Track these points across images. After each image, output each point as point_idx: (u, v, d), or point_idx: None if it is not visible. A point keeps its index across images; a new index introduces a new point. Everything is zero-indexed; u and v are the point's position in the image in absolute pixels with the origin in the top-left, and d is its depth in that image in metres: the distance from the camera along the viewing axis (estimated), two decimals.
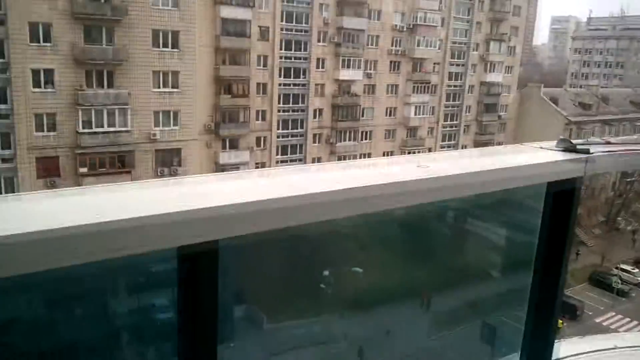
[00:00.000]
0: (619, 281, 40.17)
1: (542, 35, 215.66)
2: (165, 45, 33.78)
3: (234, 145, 39.42)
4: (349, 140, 44.81)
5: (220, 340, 1.33)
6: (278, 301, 1.82)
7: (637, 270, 44.36)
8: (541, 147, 1.99)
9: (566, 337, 2.38)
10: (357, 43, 43.52)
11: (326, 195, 1.29)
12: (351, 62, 43.44)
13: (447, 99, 52.01)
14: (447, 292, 2.15)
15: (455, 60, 51.58)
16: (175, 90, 34.62)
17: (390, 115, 47.67)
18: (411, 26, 46.29)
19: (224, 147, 38.91)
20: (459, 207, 2.03)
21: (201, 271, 1.20)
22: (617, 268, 43.51)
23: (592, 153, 1.89)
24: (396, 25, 45.69)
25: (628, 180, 54.61)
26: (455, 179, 1.51)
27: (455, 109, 52.89)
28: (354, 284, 1.89)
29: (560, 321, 34.72)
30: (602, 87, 68.90)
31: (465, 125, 53.69)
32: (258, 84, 39.82)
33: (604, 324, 36.45)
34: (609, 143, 2.11)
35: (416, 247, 2.04)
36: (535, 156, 1.85)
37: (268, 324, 1.79)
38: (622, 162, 2.00)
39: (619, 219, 54.25)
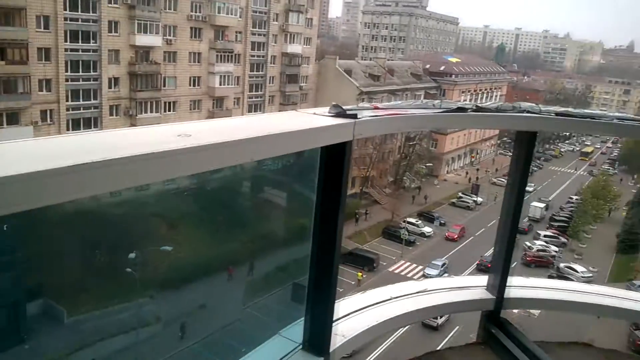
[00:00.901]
0: (407, 233, 45.87)
1: (336, 9, 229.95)
2: None
3: (13, 120, 34.32)
4: (151, 111, 42.40)
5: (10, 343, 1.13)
6: (79, 292, 1.69)
7: (420, 222, 51.26)
8: (315, 113, 2.02)
9: (349, 295, 2.53)
10: (153, 6, 40.88)
11: (71, 170, 1.10)
12: (148, 27, 40.75)
13: (252, 69, 52.41)
14: (257, 259, 2.16)
15: (257, 29, 52.01)
16: None
17: (194, 84, 46.31)
18: None
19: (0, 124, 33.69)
20: (253, 176, 2.04)
21: None
22: (404, 221, 49.63)
23: (360, 118, 1.97)
24: None
25: (411, 143, 62.19)
26: (222, 147, 1.41)
27: (260, 79, 53.67)
28: (164, 263, 1.82)
29: (360, 273, 38.75)
30: (388, 60, 76.47)
31: (270, 96, 54.91)
32: (39, 49, 35.00)
33: (396, 271, 41.49)
34: (376, 108, 2.23)
35: (221, 219, 2.02)
36: (309, 122, 1.86)
37: (70, 318, 1.65)
38: (386, 125, 2.13)
39: (405, 178, 61.71)
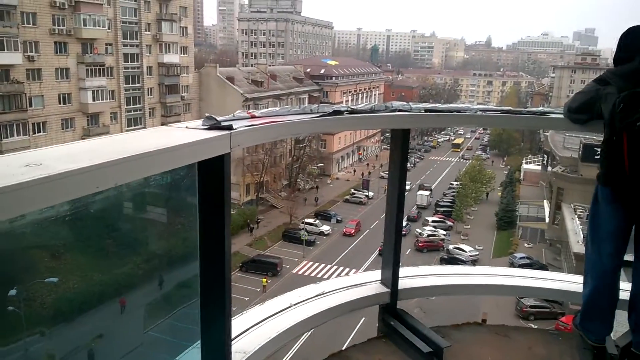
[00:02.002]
0: (306, 234, 46.42)
1: (211, 17, 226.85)
2: None
3: None
4: (18, 134, 38.71)
5: None
6: None
7: (317, 221, 52.17)
8: (187, 127, 1.92)
9: (244, 311, 2.45)
10: (8, 20, 37.37)
11: None
12: (5, 43, 37.17)
13: (127, 82, 49.89)
14: (147, 281, 2.04)
15: (129, 40, 49.62)
16: None
17: (65, 102, 43.05)
18: (73, 3, 42.22)
19: None
20: (138, 194, 1.93)
21: None
22: (303, 223, 50.21)
23: (236, 128, 1.91)
24: (55, 2, 40.91)
25: (301, 145, 63.07)
26: (78, 174, 1.28)
27: (137, 91, 51.28)
28: (51, 295, 1.66)
29: (264, 279, 38.54)
30: (270, 65, 76.90)
31: (150, 108, 52.70)
32: None
33: (300, 272, 41.81)
34: (253, 117, 2.18)
35: (108, 242, 1.91)
36: (180, 137, 1.76)
37: None
38: (264, 133, 2.09)
39: (299, 180, 62.46)
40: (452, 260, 42.77)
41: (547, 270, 39.18)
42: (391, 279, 2.91)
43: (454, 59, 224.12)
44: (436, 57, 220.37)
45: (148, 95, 52.29)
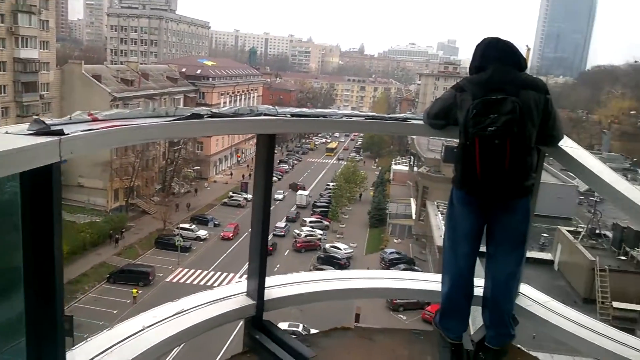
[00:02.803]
0: (181, 239, 44.75)
1: (77, 11, 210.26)
2: None
3: None
4: None
5: None
6: None
7: (194, 226, 50.57)
8: (7, 132, 1.64)
9: (86, 340, 2.16)
10: None
11: None
12: None
13: None
14: None
15: None
16: None
17: None
18: None
19: None
20: None
21: None
22: (178, 228, 48.33)
23: (68, 134, 1.67)
24: None
25: (175, 148, 60.73)
26: None
27: None
28: None
29: (135, 290, 36.44)
30: (141, 64, 73.07)
31: (3, 107, 47.41)
32: None
33: (174, 280, 40.14)
34: (95, 120, 1.93)
35: None
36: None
37: None
38: (105, 139, 1.86)
39: (174, 184, 60.08)
40: (328, 258, 43.97)
41: (414, 262, 42.18)
42: (257, 290, 2.79)
43: (330, 64, 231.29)
44: (313, 61, 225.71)
45: (2, 93, 47.02)
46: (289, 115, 2.85)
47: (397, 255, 43.75)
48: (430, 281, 3.45)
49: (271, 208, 2.91)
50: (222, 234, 49.99)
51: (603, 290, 22.61)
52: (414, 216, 51.56)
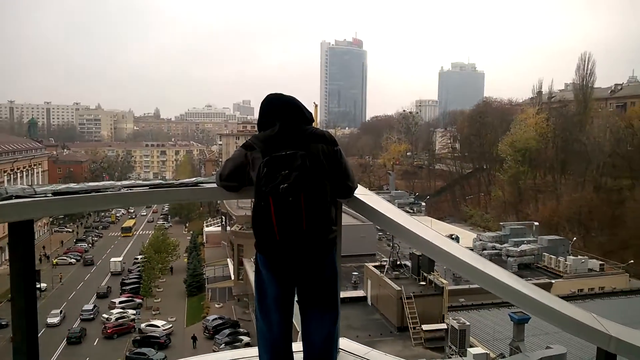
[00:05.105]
0: None
1: None
2: None
3: None
4: None
5: None
6: None
7: None
8: None
9: None
10: None
11: None
12: None
13: None
14: None
15: None
16: None
17: None
18: None
19: None
20: None
21: None
22: None
23: None
24: None
25: None
26: None
27: None
28: None
29: None
30: None
31: None
32: None
33: None
34: None
35: None
36: None
37: None
38: None
39: None
40: (145, 339, 40.32)
41: (239, 325, 41.10)
42: None
43: (124, 130, 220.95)
44: (104, 129, 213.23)
45: None
46: (50, 195, 2.36)
47: (220, 321, 42.15)
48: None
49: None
50: None
51: (412, 316, 24.62)
52: (232, 276, 50.67)
